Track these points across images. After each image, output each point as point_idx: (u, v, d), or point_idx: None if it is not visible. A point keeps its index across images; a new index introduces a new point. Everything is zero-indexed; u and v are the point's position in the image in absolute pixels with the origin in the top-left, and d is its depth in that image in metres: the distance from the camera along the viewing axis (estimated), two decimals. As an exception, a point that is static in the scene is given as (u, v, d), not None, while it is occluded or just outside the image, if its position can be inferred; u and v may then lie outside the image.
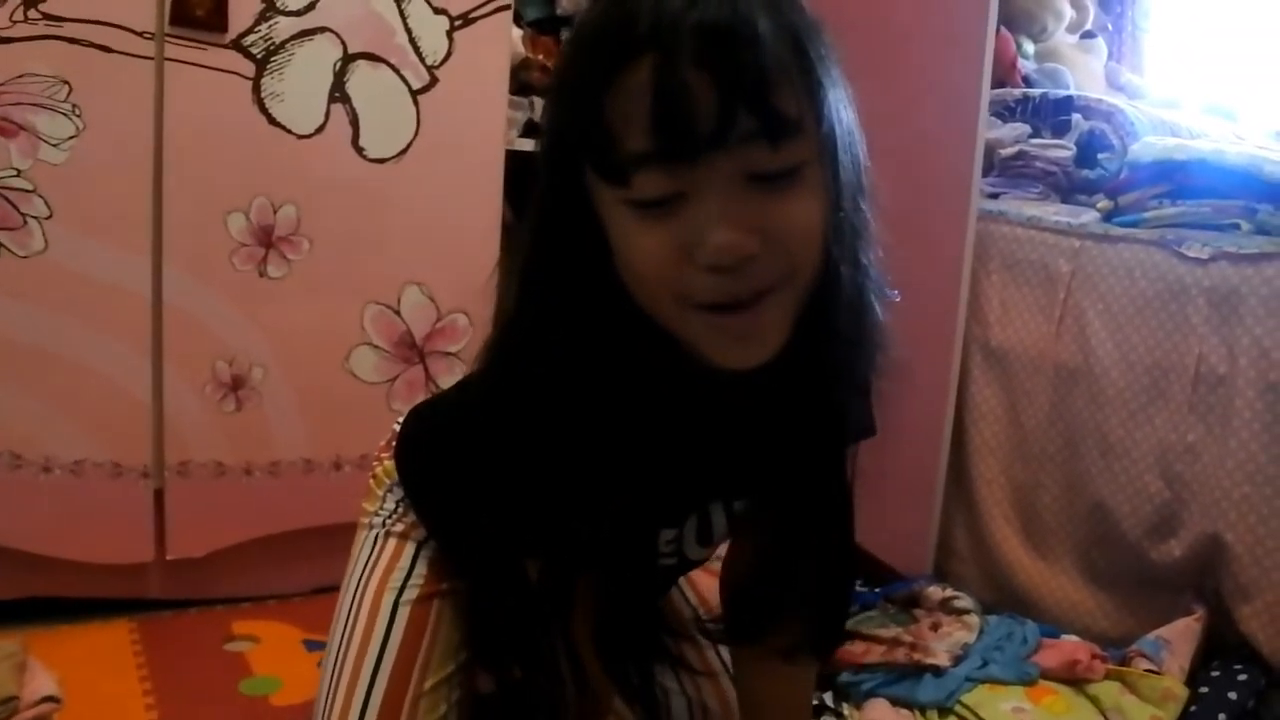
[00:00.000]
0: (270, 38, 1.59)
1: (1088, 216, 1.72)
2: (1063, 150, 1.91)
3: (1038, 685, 1.43)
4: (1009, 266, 1.76)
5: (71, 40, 1.49)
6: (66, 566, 1.58)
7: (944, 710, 1.39)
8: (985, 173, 1.85)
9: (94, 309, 1.55)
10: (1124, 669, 1.45)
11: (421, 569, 0.97)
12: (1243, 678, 1.43)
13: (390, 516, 1.00)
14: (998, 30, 1.89)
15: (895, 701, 1.41)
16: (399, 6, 1.67)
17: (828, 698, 1.45)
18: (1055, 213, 1.78)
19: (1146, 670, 1.43)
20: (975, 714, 1.37)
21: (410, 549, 0.98)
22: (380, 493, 1.02)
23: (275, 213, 1.63)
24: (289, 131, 1.62)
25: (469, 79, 1.73)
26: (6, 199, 1.48)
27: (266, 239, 1.64)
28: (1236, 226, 1.59)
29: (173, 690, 1.45)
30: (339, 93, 1.65)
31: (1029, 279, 1.74)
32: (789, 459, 0.82)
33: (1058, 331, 1.69)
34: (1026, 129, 1.96)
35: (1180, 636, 1.48)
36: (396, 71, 1.69)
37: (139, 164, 1.55)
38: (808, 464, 0.84)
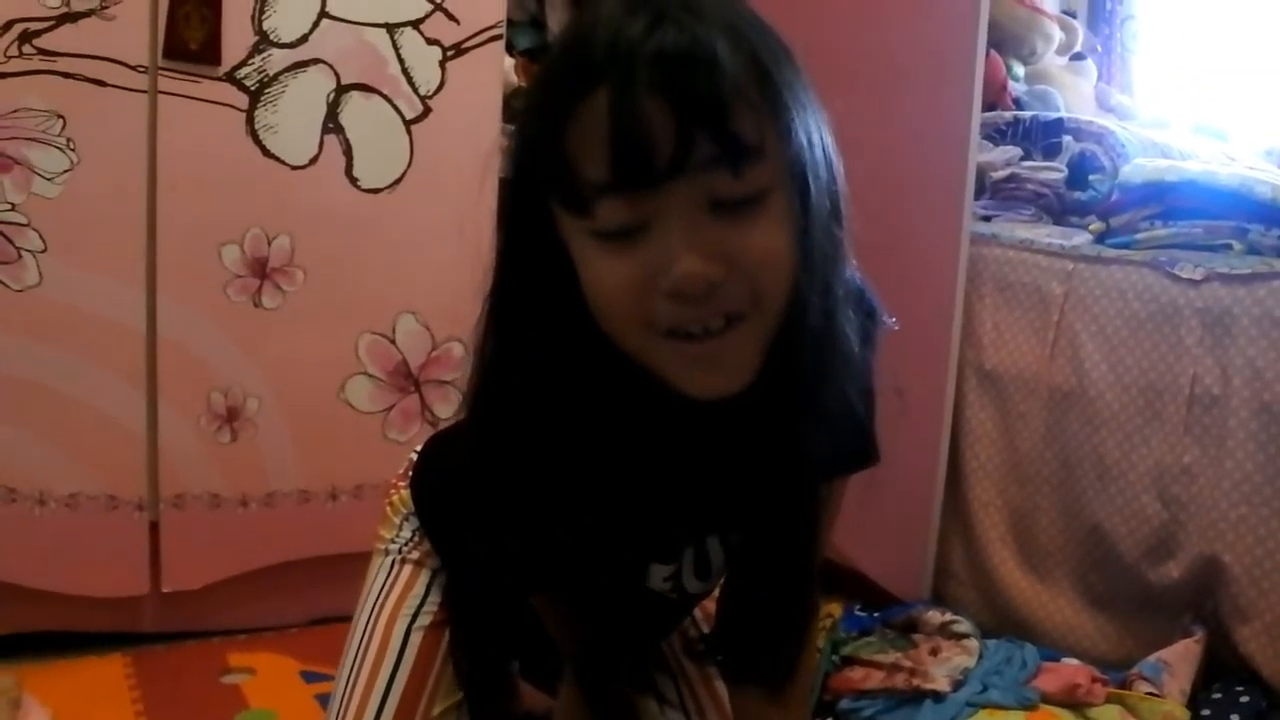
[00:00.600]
0: (263, 70, 1.60)
1: (1080, 238, 1.73)
2: (1054, 172, 1.92)
3: (1038, 710, 1.43)
4: (1002, 289, 1.77)
5: (66, 75, 1.49)
6: (61, 600, 1.57)
7: (944, 736, 1.39)
8: (977, 196, 1.86)
9: (88, 342, 1.55)
10: (1125, 692, 1.45)
11: (435, 596, 0.98)
12: (1244, 699, 1.43)
13: (407, 544, 1.02)
14: (987, 54, 1.90)
15: (895, 728, 1.41)
16: (391, 38, 1.68)
17: (827, 725, 1.44)
18: (1048, 235, 1.78)
19: (1147, 693, 1.43)
20: (976, 740, 1.37)
21: (425, 576, 1.00)
22: (397, 520, 1.04)
23: (269, 244, 1.64)
24: (282, 163, 1.63)
25: (462, 109, 1.74)
26: (1, 233, 1.49)
27: (260, 270, 1.64)
28: (1229, 247, 1.60)
29: (168, 725, 1.44)
30: (332, 124, 1.66)
31: (1022, 301, 1.74)
32: (765, 492, 0.81)
33: (1051, 354, 1.69)
34: (1018, 151, 1.98)
35: (1180, 659, 1.48)
36: (390, 102, 1.70)
37: (133, 197, 1.55)
38: (781, 497, 0.83)
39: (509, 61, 1.97)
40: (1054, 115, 2.06)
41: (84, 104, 1.50)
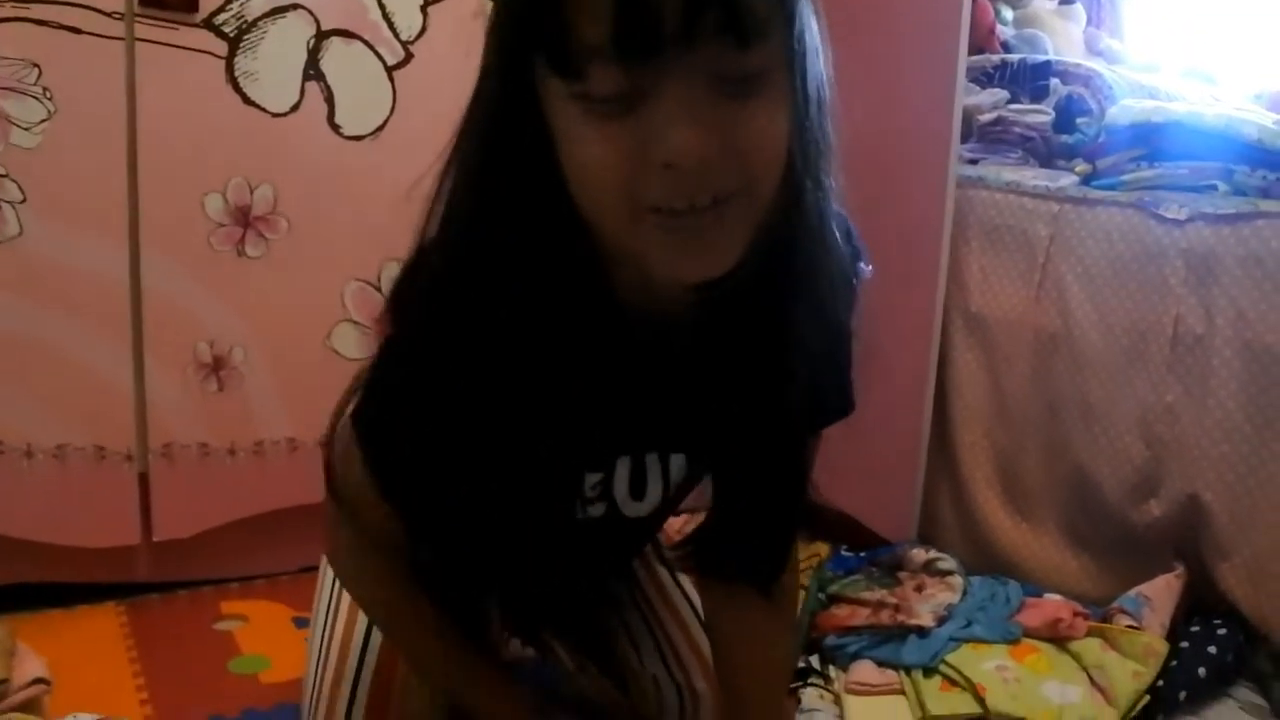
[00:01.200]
0: (242, 16, 1.58)
1: (1066, 180, 1.73)
2: (1041, 115, 1.91)
3: (1021, 644, 1.45)
4: (988, 232, 1.77)
5: (39, 22, 1.47)
6: (52, 552, 1.58)
7: (929, 670, 1.41)
8: (964, 139, 1.85)
9: (71, 293, 1.54)
10: (1106, 626, 1.47)
11: None
12: (1222, 633, 1.45)
13: None
14: (975, -3, 1.89)
15: (881, 663, 1.43)
16: (372, -19, 1.66)
17: (813, 661, 1.46)
18: (1034, 177, 1.78)
19: (1128, 627, 1.45)
20: (959, 673, 1.39)
21: None
22: None
23: (252, 193, 1.62)
24: (264, 110, 1.61)
25: (444, 54, 1.72)
26: (-21, 184, 1.48)
27: (244, 219, 1.63)
28: (1214, 188, 1.60)
29: (162, 671, 1.45)
30: (313, 70, 1.64)
31: (1008, 245, 1.74)
32: (734, 412, 0.78)
33: (1037, 296, 1.70)
34: (1005, 95, 1.97)
35: (1161, 593, 1.50)
36: (371, 48, 1.68)
37: (113, 146, 1.54)
38: (755, 423, 0.79)
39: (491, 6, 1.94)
40: (1041, 58, 2.05)
41: (60, 52, 1.48)
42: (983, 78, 2.03)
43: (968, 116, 1.89)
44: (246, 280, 1.64)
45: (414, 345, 0.76)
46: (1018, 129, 1.89)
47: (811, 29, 0.65)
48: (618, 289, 0.73)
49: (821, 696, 1.40)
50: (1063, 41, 2.41)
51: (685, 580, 1.14)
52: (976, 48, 2.10)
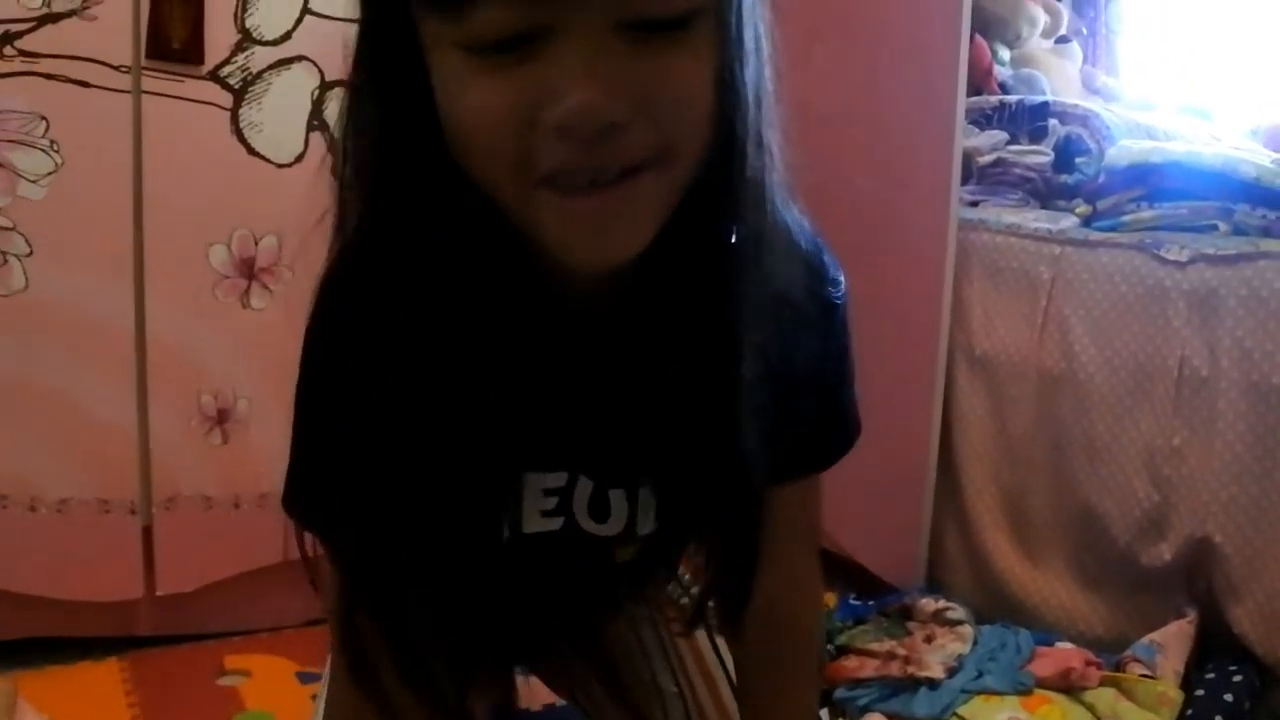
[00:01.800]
0: (247, 68, 1.59)
1: (1067, 222, 1.73)
2: (1040, 156, 1.92)
3: (1033, 694, 1.44)
4: (991, 274, 1.77)
5: (48, 76, 1.48)
6: (55, 605, 1.57)
7: (940, 722, 1.39)
8: (964, 181, 1.86)
9: (77, 345, 1.54)
10: (1119, 675, 1.46)
11: None
12: (1238, 678, 1.44)
13: None
14: (972, 39, 1.90)
15: (891, 716, 1.42)
16: (375, 34, 1.68)
17: (824, 713, 1.45)
18: (1035, 219, 1.79)
19: (1141, 675, 1.44)
20: (972, 724, 1.37)
21: None
22: None
23: (257, 244, 1.63)
24: (268, 161, 1.62)
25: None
26: (-15, 238, 1.48)
27: (249, 270, 1.63)
28: (1214, 227, 1.60)
29: (165, 727, 1.44)
30: (317, 121, 1.65)
31: (1011, 285, 1.74)
32: (676, 419, 0.63)
33: (1041, 337, 1.69)
34: (1004, 136, 1.98)
35: (1173, 639, 1.48)
36: (374, 98, 1.69)
37: (119, 198, 1.54)
38: (705, 438, 0.64)
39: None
40: (1039, 99, 2.06)
41: (67, 105, 1.49)
42: (981, 119, 2.05)
43: (967, 158, 1.90)
44: (251, 331, 1.64)
45: (321, 363, 0.69)
46: (1018, 170, 1.90)
47: None
48: (544, 270, 0.61)
49: (833, 748, 1.39)
50: (1059, 80, 2.43)
51: (722, 644, 1.09)
52: (975, 88, 2.11)
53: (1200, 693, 1.41)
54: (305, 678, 1.57)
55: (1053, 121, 1.96)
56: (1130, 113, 2.14)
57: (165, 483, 1.63)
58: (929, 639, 1.53)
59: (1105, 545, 1.63)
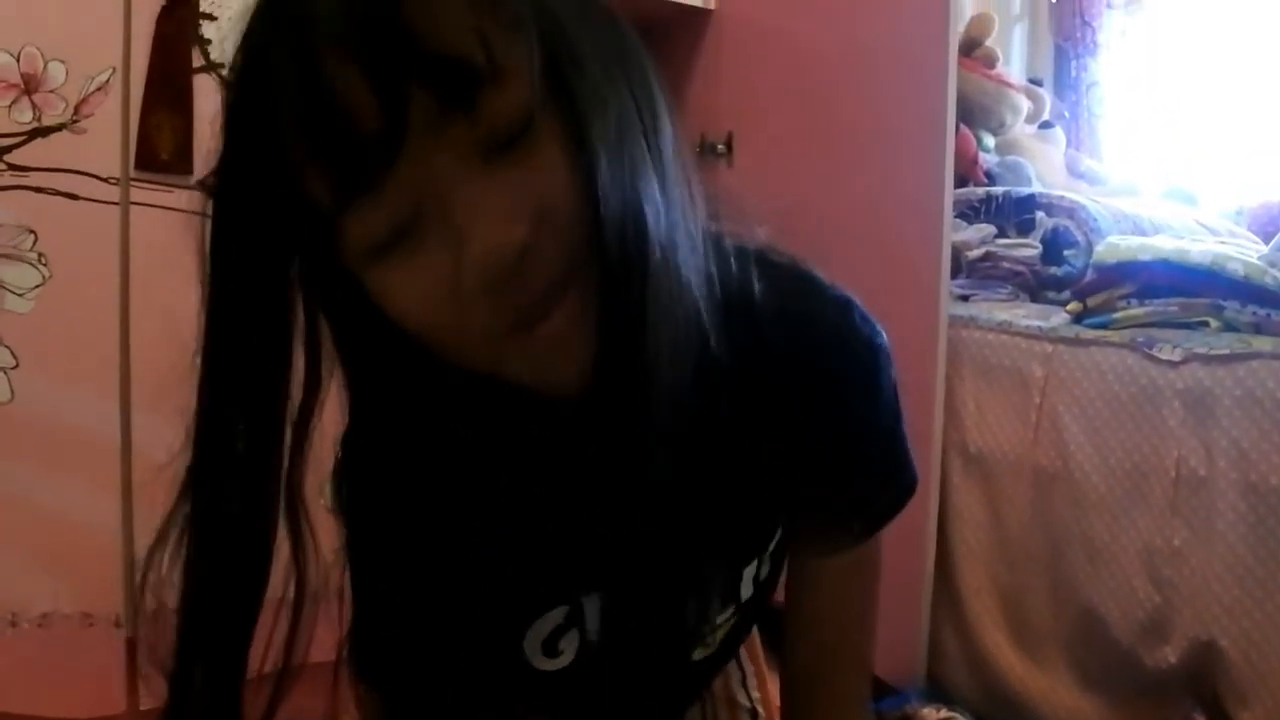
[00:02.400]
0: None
1: (1058, 319, 1.73)
2: (1029, 249, 1.93)
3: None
4: (983, 371, 1.77)
5: (38, 189, 1.49)
6: (35, 724, 1.54)
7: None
8: (953, 275, 1.87)
9: (63, 456, 1.53)
10: (1126, 784, 1.42)
11: None
12: (1247, 788, 1.41)
13: None
14: (957, 129, 1.92)
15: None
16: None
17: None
18: (1025, 315, 1.79)
19: (1149, 786, 1.41)
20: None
21: None
22: None
23: (245, 350, 1.62)
24: (257, 268, 1.62)
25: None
26: (-29, 352, 1.47)
27: (237, 377, 1.62)
28: (1205, 323, 1.60)
29: None
30: (307, 227, 1.65)
31: (1003, 383, 1.74)
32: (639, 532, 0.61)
33: (1035, 435, 1.69)
34: (992, 230, 1.99)
35: (1181, 748, 1.46)
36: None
37: (106, 308, 1.54)
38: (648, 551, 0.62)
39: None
40: (1026, 191, 2.08)
41: (56, 218, 1.50)
42: (969, 211, 2.06)
43: (956, 252, 1.91)
44: (239, 438, 1.62)
45: (360, 520, 0.72)
46: (1007, 264, 1.91)
47: (579, 48, 0.53)
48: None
49: None
50: (1044, 165, 2.45)
51: None
52: (960, 178, 2.13)
53: (1210, 805, 1.38)
54: (292, 799, 1.53)
55: (1040, 214, 1.97)
56: (1115, 200, 2.16)
57: (151, 593, 1.59)
58: (932, 756, 1.50)
59: (1107, 646, 1.61)
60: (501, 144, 0.50)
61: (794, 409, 0.65)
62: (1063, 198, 2.03)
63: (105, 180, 1.52)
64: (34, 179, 1.49)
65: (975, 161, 2.27)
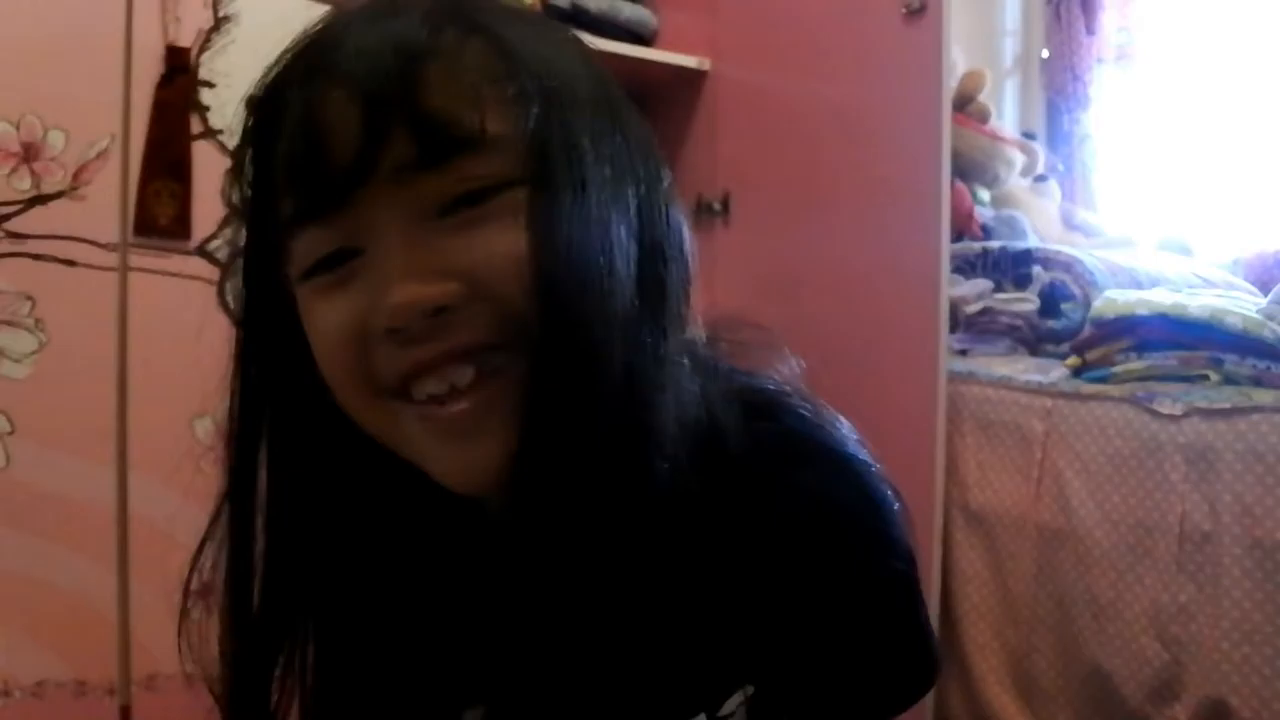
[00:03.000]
0: (234, 241, 1.60)
1: (1057, 374, 1.73)
2: (1027, 304, 1.93)
3: None
4: (983, 427, 1.76)
5: (35, 256, 1.49)
6: (25, 799, 1.51)
7: None
8: (951, 330, 1.87)
9: (57, 523, 1.51)
10: None
11: None
12: None
13: None
14: (952, 185, 1.93)
15: None
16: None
17: None
18: (1024, 370, 1.79)
19: None
20: None
21: None
22: None
23: (242, 414, 1.61)
24: (255, 332, 1.62)
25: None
26: (-34, 419, 1.47)
27: (234, 441, 1.61)
28: (1205, 377, 1.60)
29: None
30: (305, 290, 1.65)
31: (1004, 439, 1.73)
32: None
33: (1037, 492, 1.68)
34: (989, 284, 1.99)
35: (1195, 813, 1.43)
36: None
37: (103, 374, 1.53)
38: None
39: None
40: (1022, 245, 2.09)
41: (54, 284, 1.50)
42: (965, 266, 2.07)
43: (954, 307, 1.91)
44: (235, 503, 1.61)
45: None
46: (1004, 318, 1.91)
47: (574, 124, 0.52)
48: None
49: None
50: (1039, 218, 2.46)
51: None
52: (957, 233, 2.14)
53: None
54: None
55: (1036, 268, 1.98)
56: (1111, 253, 2.17)
57: (145, 661, 1.57)
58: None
59: (1115, 706, 1.58)
60: (460, 202, 0.50)
61: (777, 577, 0.55)
62: (1059, 251, 2.03)
63: (104, 246, 1.52)
64: (32, 246, 1.49)
65: (971, 216, 2.28)
